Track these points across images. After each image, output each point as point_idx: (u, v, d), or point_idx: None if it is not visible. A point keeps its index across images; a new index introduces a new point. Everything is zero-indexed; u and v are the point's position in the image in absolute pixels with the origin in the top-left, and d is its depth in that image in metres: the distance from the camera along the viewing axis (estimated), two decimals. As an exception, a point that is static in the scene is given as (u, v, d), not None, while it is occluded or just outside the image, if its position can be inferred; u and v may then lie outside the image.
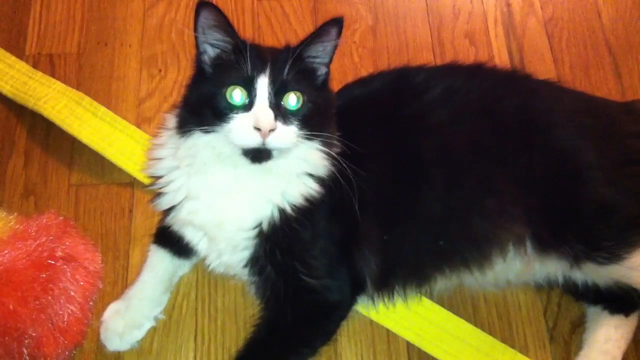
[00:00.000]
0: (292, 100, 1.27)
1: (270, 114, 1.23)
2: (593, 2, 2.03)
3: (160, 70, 1.90)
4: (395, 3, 2.03)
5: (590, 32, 1.98)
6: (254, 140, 1.23)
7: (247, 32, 1.96)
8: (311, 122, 1.29)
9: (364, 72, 1.88)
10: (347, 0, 2.02)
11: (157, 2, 2.01)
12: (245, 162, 1.28)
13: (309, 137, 1.28)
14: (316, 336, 1.41)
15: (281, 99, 1.26)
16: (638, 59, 1.94)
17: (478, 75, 1.54)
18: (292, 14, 1.99)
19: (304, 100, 1.28)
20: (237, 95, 1.24)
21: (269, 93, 1.25)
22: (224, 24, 1.27)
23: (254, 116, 1.23)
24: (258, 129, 1.22)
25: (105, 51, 1.93)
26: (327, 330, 1.42)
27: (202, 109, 1.28)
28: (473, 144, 1.42)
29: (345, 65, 1.92)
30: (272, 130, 1.23)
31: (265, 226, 1.32)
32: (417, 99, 1.46)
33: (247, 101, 1.25)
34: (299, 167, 1.32)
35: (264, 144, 1.23)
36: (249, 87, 1.25)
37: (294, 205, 1.32)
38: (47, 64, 1.89)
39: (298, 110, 1.27)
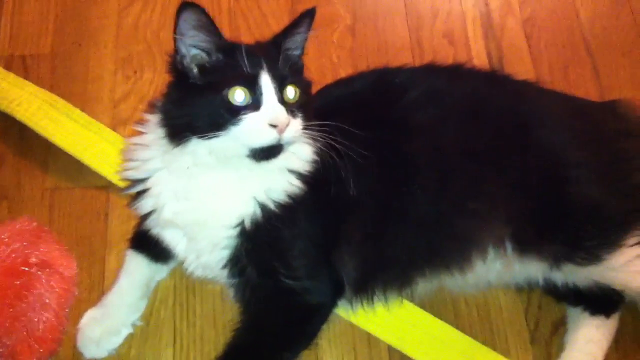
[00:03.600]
0: (290, 93, 1.27)
1: (283, 109, 1.23)
2: (571, 2, 2.03)
3: (135, 72, 1.87)
4: (374, 3, 2.02)
5: (569, 32, 1.98)
6: (270, 138, 1.22)
7: (224, 32, 1.91)
8: (306, 111, 1.29)
9: (342, 73, 1.88)
10: (325, -1, 2.01)
11: (132, 2, 1.98)
12: (247, 162, 1.26)
13: (306, 129, 1.28)
14: (297, 340, 1.40)
15: (282, 93, 1.26)
16: (616, 58, 1.94)
17: (459, 75, 1.54)
18: (269, 14, 1.97)
19: (299, 92, 1.28)
20: (239, 95, 1.22)
21: (275, 88, 1.24)
22: (209, 25, 1.25)
23: (268, 114, 1.22)
24: (273, 126, 1.21)
25: (79, 52, 1.90)
26: (307, 333, 1.41)
27: (198, 117, 1.25)
28: (455, 146, 1.41)
29: (324, 66, 1.91)
30: (287, 125, 1.23)
31: (247, 223, 1.31)
32: (398, 100, 1.46)
33: (250, 100, 1.23)
34: (289, 162, 1.31)
35: (279, 139, 1.23)
36: (252, 86, 1.23)
37: (277, 202, 1.31)
38: (20, 65, 1.86)
39: (296, 102, 1.28)
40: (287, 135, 1.24)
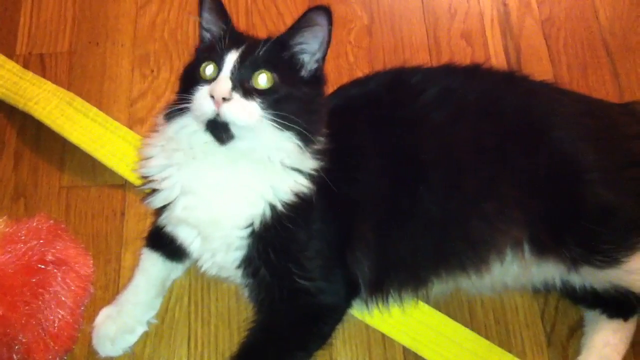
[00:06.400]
0: (262, 80, 1.26)
1: (227, 83, 1.23)
2: (590, 2, 2.01)
3: (152, 71, 1.88)
4: (391, 2, 2.01)
5: (588, 32, 1.96)
6: (208, 107, 1.23)
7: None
8: (284, 107, 1.26)
9: (359, 73, 1.87)
10: (342, -1, 2.01)
11: (149, 1, 1.99)
12: (213, 145, 1.28)
13: (282, 126, 1.26)
14: (311, 339, 1.40)
15: (251, 76, 1.26)
16: (636, 59, 1.92)
17: (476, 75, 1.53)
18: (286, 13, 1.97)
19: (275, 82, 1.27)
20: (209, 70, 1.27)
21: (234, 67, 1.25)
22: (219, 8, 1.32)
23: (212, 85, 1.24)
24: (213, 97, 1.23)
25: (96, 51, 1.91)
26: (322, 333, 1.41)
27: (183, 89, 1.30)
28: (471, 146, 1.40)
29: (341, 66, 1.90)
30: (226, 99, 1.22)
31: (257, 224, 1.31)
32: (413, 100, 1.45)
33: (215, 75, 1.26)
34: (276, 155, 1.30)
35: (218, 113, 1.23)
36: (220, 62, 1.26)
37: (285, 203, 1.30)
38: (38, 63, 1.88)
39: (268, 90, 1.26)
40: (226, 111, 1.22)
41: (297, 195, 1.31)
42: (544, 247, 1.40)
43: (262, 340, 1.37)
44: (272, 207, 1.30)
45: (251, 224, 1.31)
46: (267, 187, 1.30)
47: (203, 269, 1.43)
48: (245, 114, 1.24)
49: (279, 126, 1.26)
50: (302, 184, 1.31)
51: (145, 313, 1.51)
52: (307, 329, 1.38)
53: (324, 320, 1.40)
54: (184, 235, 1.40)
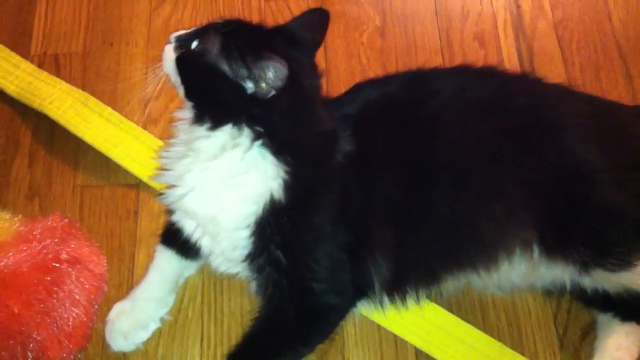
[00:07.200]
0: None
1: (174, 36, 1.42)
2: (603, 4, 2.00)
3: (166, 71, 1.88)
4: (403, 4, 2.01)
5: (601, 34, 1.95)
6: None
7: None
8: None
9: (371, 74, 1.87)
10: (355, 0, 2.00)
11: (163, 2, 2.00)
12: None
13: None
14: (313, 335, 1.42)
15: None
16: (649, 61, 1.92)
17: (487, 77, 1.53)
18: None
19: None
20: None
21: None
22: None
23: None
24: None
25: (111, 51, 1.92)
26: (324, 330, 1.44)
27: None
28: (482, 147, 1.40)
29: (353, 67, 1.90)
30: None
31: (255, 223, 1.32)
32: (427, 102, 1.45)
33: None
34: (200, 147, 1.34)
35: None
36: None
37: (279, 199, 1.31)
38: (52, 64, 1.88)
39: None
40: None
41: (290, 192, 1.31)
42: (552, 249, 1.39)
43: (265, 333, 1.39)
44: (271, 204, 1.31)
45: (250, 223, 1.32)
46: (259, 184, 1.31)
47: (213, 265, 1.44)
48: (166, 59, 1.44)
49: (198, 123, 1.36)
50: (290, 181, 1.31)
51: (158, 309, 1.52)
52: (310, 326, 1.40)
53: (327, 319, 1.42)
54: (194, 230, 1.42)
